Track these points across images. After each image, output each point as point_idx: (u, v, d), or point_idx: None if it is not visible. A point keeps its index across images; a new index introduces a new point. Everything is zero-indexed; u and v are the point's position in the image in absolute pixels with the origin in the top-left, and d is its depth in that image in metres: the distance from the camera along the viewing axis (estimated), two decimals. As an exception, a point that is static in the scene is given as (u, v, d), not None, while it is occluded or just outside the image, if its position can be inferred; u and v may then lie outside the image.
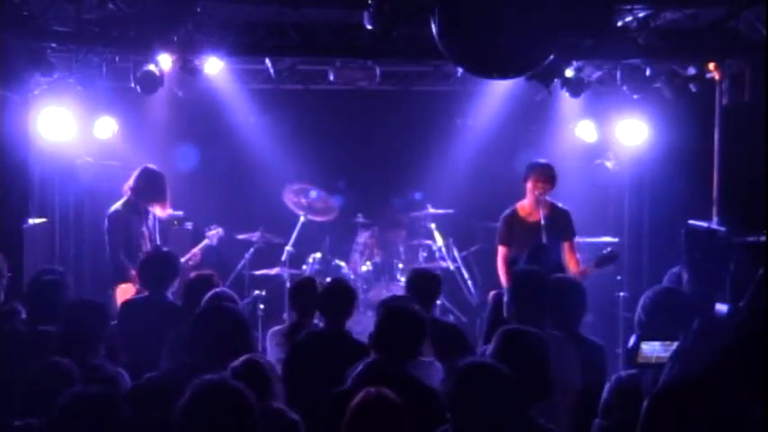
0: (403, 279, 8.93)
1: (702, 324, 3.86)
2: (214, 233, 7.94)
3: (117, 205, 7.11)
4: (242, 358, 3.81)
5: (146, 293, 5.78)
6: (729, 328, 2.92)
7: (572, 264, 7.07)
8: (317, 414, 3.86)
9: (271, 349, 5.60)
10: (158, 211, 7.24)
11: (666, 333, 4.65)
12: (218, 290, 5.28)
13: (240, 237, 8.75)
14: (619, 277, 8.90)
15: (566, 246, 7.13)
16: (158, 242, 7.30)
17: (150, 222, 7.22)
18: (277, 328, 5.89)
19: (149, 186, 7.14)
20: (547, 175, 7.11)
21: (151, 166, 7.30)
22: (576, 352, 4.54)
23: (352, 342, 5.06)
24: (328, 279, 8.87)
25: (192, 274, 5.92)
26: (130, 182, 7.15)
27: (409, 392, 3.48)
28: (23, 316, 5.01)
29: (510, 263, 6.98)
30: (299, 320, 5.57)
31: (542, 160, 7.35)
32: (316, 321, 5.71)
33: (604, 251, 7.02)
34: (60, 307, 4.84)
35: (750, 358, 2.64)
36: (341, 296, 5.20)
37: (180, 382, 3.72)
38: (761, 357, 2.63)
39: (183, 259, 7.35)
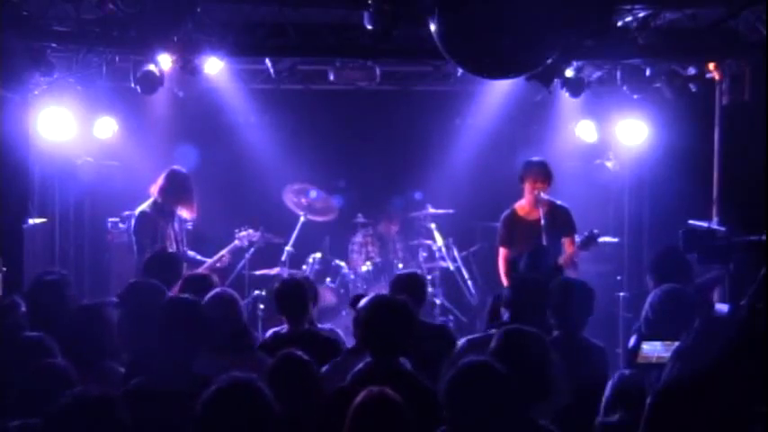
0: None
1: (703, 323, 3.86)
2: (244, 234, 7.87)
3: (144, 206, 7.09)
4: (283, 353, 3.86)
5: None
6: (731, 328, 2.92)
7: (568, 249, 7.05)
8: (310, 412, 3.87)
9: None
10: (185, 214, 7.23)
11: (672, 331, 4.65)
12: (218, 289, 5.28)
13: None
14: (619, 277, 8.90)
15: (566, 242, 7.14)
16: (185, 244, 7.30)
17: (176, 224, 7.21)
18: (277, 328, 5.89)
19: (177, 188, 7.13)
20: (544, 173, 7.13)
21: (178, 167, 7.28)
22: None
23: (317, 339, 5.10)
24: (328, 279, 8.97)
25: (186, 274, 5.90)
26: (158, 183, 7.12)
27: (408, 391, 3.47)
28: (23, 309, 5.01)
29: (510, 265, 6.98)
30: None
31: (536, 158, 7.35)
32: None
33: (585, 233, 7.00)
34: (64, 306, 4.84)
35: (752, 358, 2.65)
36: (293, 296, 5.22)
37: (178, 384, 3.74)
38: (762, 357, 2.64)
39: (209, 261, 7.36)
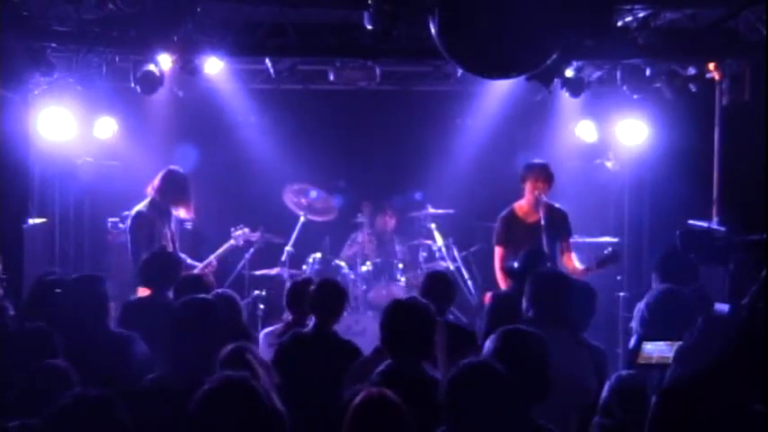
0: (403, 279, 8.96)
1: (706, 323, 3.86)
2: (240, 233, 7.84)
3: (141, 206, 7.07)
4: (229, 347, 3.84)
5: (149, 295, 5.77)
6: (732, 327, 2.93)
7: (570, 264, 7.07)
8: (320, 416, 3.86)
9: (264, 350, 5.56)
10: (183, 213, 7.23)
11: (669, 331, 4.65)
12: (219, 290, 5.29)
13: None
14: (619, 277, 8.90)
15: (563, 246, 7.16)
16: (178, 246, 7.28)
17: (173, 224, 7.21)
18: (270, 328, 5.89)
19: (174, 188, 7.10)
20: (546, 175, 7.16)
21: (175, 167, 7.27)
22: (587, 353, 4.53)
23: (338, 342, 5.09)
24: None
25: (182, 275, 5.89)
26: (155, 183, 7.10)
27: (429, 394, 3.47)
28: (11, 312, 5.02)
29: (506, 268, 6.97)
30: (295, 321, 5.56)
31: (539, 160, 7.37)
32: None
33: (605, 251, 7.03)
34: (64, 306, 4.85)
35: (752, 358, 2.65)
36: (333, 297, 5.19)
37: (178, 384, 3.74)
38: (763, 357, 2.64)
39: (199, 266, 7.33)
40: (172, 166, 7.27)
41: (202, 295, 4.49)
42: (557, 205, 7.27)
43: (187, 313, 4.11)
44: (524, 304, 4.65)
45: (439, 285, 5.51)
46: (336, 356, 4.79)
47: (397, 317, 4.11)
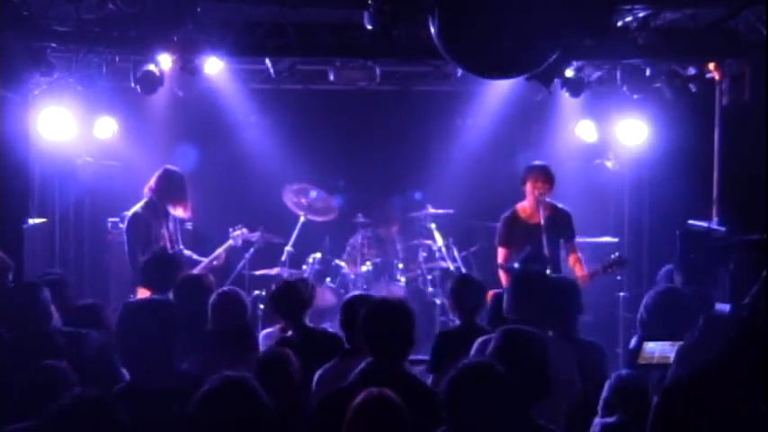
0: (403, 279, 8.97)
1: (707, 323, 3.86)
2: (238, 233, 7.82)
3: (137, 207, 7.06)
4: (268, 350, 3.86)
5: (149, 295, 5.76)
6: (733, 327, 2.93)
7: (577, 267, 7.07)
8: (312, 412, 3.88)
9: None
10: (180, 213, 7.20)
11: (668, 332, 4.65)
12: (226, 288, 5.30)
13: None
14: (619, 277, 8.89)
15: (568, 248, 7.15)
16: (180, 243, 7.28)
17: (171, 224, 7.19)
18: (269, 329, 5.88)
19: (171, 188, 7.08)
20: (545, 176, 7.14)
21: (171, 166, 7.25)
22: (572, 352, 4.53)
23: (322, 340, 5.13)
24: (328, 279, 8.97)
25: (181, 275, 5.89)
26: (151, 183, 7.08)
27: (409, 393, 3.47)
28: None
29: (507, 269, 6.97)
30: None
31: (539, 162, 7.37)
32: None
33: (612, 256, 7.01)
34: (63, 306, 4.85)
35: (753, 358, 2.65)
36: (289, 297, 5.25)
37: (178, 384, 3.74)
38: (763, 356, 2.64)
39: (205, 261, 7.33)
40: (168, 166, 7.25)
41: (156, 297, 4.47)
42: (560, 205, 7.26)
43: (138, 314, 4.10)
44: (505, 306, 4.65)
45: (468, 290, 5.47)
46: (319, 354, 4.79)
47: (378, 318, 4.05)
